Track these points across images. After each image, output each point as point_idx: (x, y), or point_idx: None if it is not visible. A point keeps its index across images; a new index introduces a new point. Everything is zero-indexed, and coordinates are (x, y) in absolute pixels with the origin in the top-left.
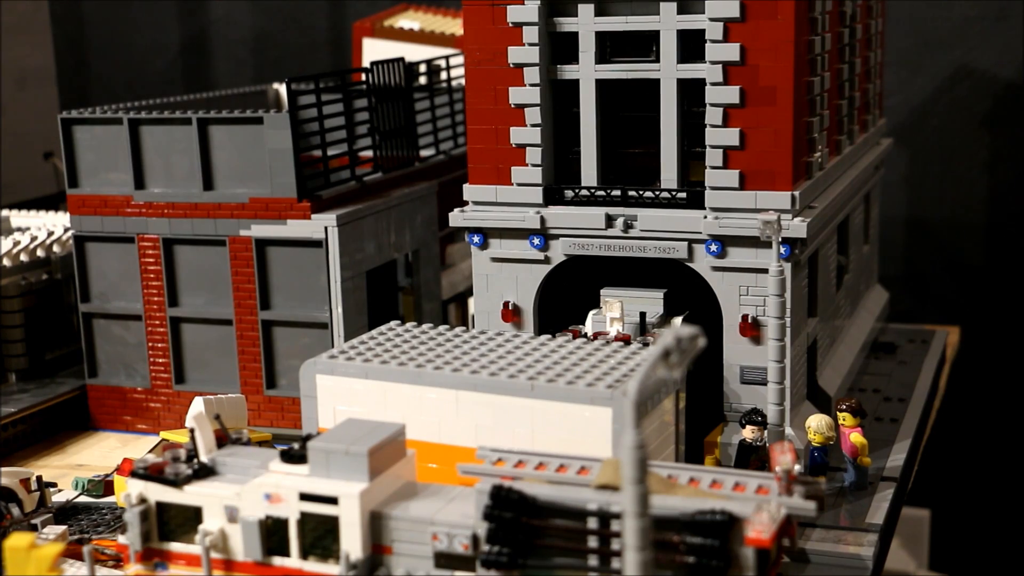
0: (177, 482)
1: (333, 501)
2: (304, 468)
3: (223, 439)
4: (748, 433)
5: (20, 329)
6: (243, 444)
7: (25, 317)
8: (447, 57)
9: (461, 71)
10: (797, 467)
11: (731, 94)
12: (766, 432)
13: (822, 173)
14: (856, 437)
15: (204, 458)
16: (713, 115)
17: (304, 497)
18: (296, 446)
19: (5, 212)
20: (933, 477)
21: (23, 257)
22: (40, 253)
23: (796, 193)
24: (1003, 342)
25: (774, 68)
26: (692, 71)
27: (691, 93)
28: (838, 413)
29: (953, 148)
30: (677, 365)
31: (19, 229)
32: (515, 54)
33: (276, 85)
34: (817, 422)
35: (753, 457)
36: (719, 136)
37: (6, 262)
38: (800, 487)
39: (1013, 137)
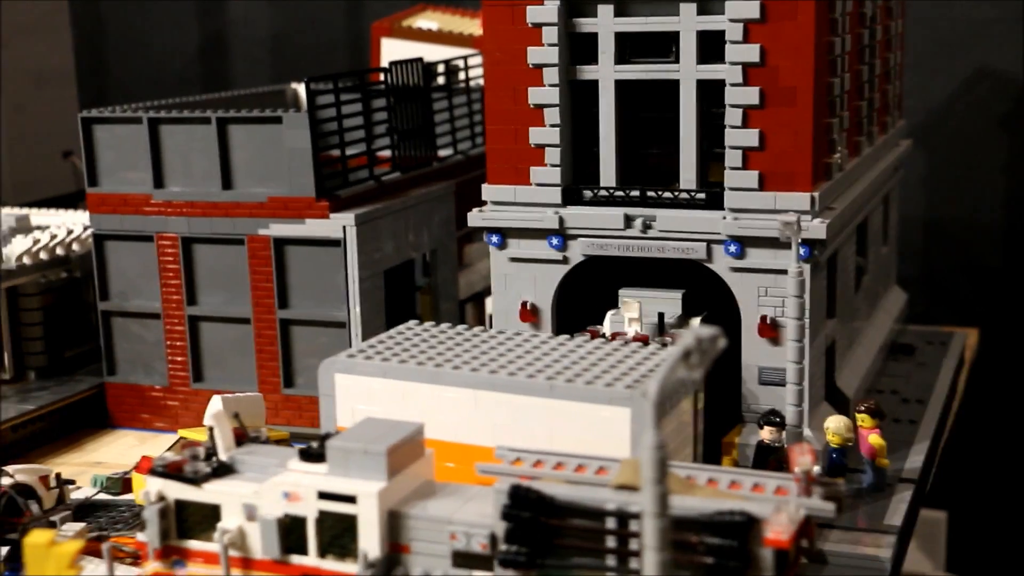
0: (196, 480)
1: (351, 500)
2: (322, 467)
3: (242, 437)
4: (766, 434)
5: (39, 327)
6: (261, 443)
7: (44, 315)
8: (466, 57)
9: (480, 71)
10: (816, 468)
11: (751, 95)
12: (784, 433)
13: (842, 174)
14: (874, 439)
15: (223, 456)
16: (732, 116)
17: (323, 496)
18: (314, 445)
19: (25, 211)
20: (951, 479)
21: (43, 255)
22: (59, 251)
23: (816, 194)
24: (1022, 344)
25: (794, 69)
26: (711, 72)
27: (710, 94)
28: (856, 415)
29: (972, 149)
30: (697, 366)
31: (39, 227)
32: (534, 55)
33: (294, 85)
34: (835, 424)
35: (772, 458)
36: (738, 137)
37: (26, 260)
38: (819, 488)
39: None
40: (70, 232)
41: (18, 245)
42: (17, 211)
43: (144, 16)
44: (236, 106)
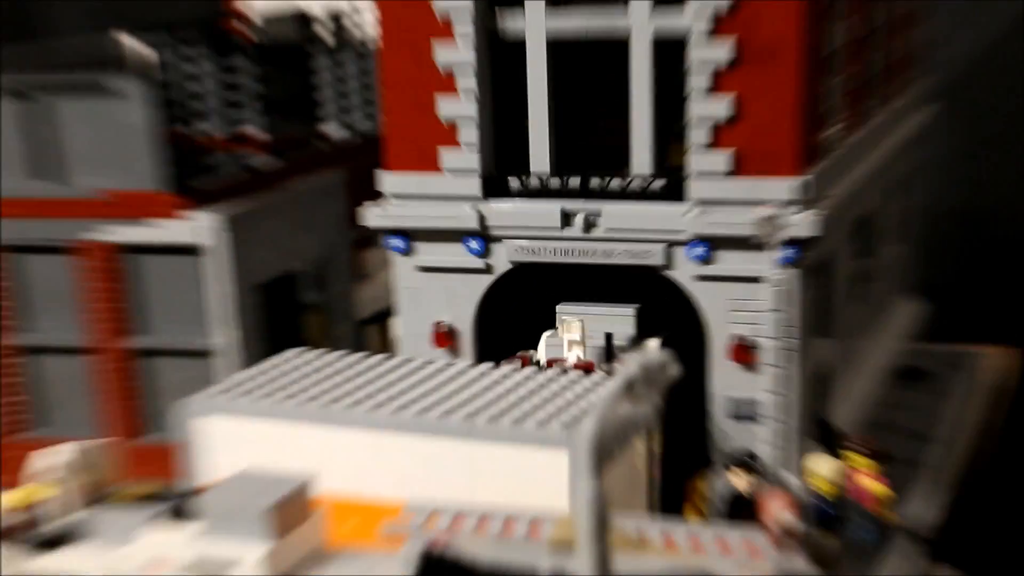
0: (34, 547)
1: (227, 569)
2: (189, 530)
3: (90, 496)
4: (740, 481)
5: None
6: (112, 501)
7: None
8: (354, 4)
9: (374, 25)
10: (800, 523)
11: (721, 50)
12: (761, 478)
13: (841, 152)
14: (874, 485)
15: (65, 520)
16: (699, 78)
17: (190, 566)
18: (177, 504)
19: None
20: (968, 533)
21: None
22: None
23: (805, 179)
24: None
25: (777, 15)
26: (671, 22)
27: (670, 51)
28: (853, 456)
29: (1015, 118)
30: (644, 398)
31: None
32: (442, 2)
33: (126, 36)
34: (824, 467)
35: (746, 509)
36: (706, 106)
37: None
38: (803, 548)
39: None
40: None
41: None
42: None
43: None
44: (47, 63)
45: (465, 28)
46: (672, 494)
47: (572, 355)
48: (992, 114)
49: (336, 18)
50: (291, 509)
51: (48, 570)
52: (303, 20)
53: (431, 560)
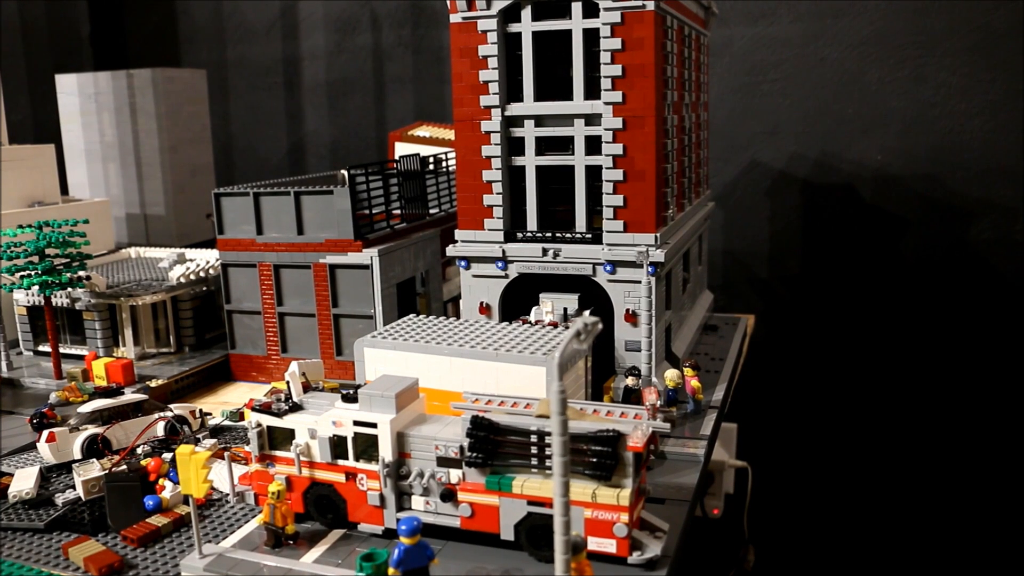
0: (279, 414)
1: (374, 425)
2: (356, 405)
3: (307, 387)
4: (629, 381)
5: (191, 320)
6: (319, 391)
7: (194, 313)
8: (446, 153)
9: (453, 161)
10: (658, 402)
11: (617, 174)
12: (640, 380)
13: (673, 222)
14: (694, 382)
15: (296, 399)
16: (607, 187)
17: (356, 423)
18: (352, 392)
19: (182, 250)
20: (739, 404)
21: (192, 276)
22: (202, 274)
23: (658, 234)
24: (779, 324)
25: (644, 159)
26: (594, 160)
27: (593, 173)
28: (684, 368)
29: (748, 208)
30: (585, 340)
31: (190, 259)
32: (486, 150)
33: (342, 171)
34: (671, 373)
35: (633, 396)
36: (611, 200)
37: (182, 280)
38: (660, 414)
39: (786, 201)
40: (208, 262)
41: (178, 271)
42: (178, 250)
43: (255, 132)
44: (307, 184)
45: (497, 164)
46: (597, 389)
47: (547, 318)
48: (738, 207)
49: (436, 158)
50: (406, 395)
51: (285, 425)
52: (421, 160)
53: (477, 421)
